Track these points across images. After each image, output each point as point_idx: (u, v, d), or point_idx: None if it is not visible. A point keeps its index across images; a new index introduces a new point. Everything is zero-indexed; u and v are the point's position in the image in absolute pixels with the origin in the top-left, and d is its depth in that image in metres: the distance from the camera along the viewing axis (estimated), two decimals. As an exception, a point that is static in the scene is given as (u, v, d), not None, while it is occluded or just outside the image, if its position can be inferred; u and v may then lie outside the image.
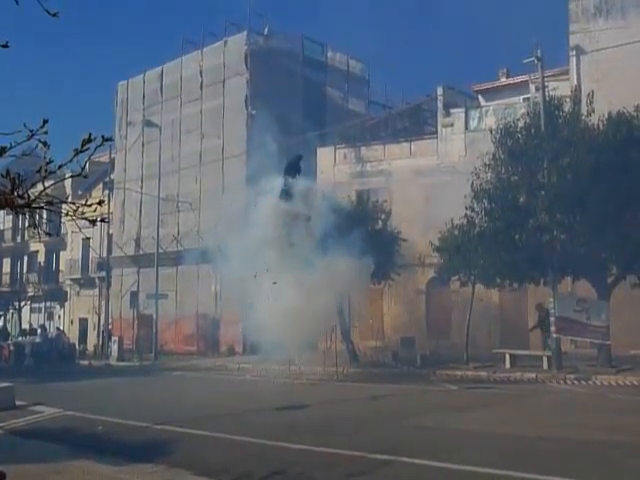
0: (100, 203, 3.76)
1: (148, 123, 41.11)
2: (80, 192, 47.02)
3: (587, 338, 24.55)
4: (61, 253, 52.44)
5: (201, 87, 42.24)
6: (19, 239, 54.20)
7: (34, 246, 53.17)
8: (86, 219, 3.82)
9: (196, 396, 19.68)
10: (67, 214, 3.84)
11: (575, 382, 21.13)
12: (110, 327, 42.42)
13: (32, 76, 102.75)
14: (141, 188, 43.60)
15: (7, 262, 56.38)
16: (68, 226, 41.39)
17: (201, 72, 42.37)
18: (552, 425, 13.33)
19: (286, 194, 20.27)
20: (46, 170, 3.64)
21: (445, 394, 19.79)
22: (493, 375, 23.32)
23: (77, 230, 31.46)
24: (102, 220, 3.91)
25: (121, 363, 36.25)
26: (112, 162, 44.91)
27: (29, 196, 3.59)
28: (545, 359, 24.22)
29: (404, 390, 20.58)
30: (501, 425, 13.52)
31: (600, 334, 23.70)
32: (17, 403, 18.29)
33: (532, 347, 27.85)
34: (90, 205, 3.77)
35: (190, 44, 43.70)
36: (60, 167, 3.73)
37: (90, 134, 3.57)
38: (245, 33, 40.52)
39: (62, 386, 24.70)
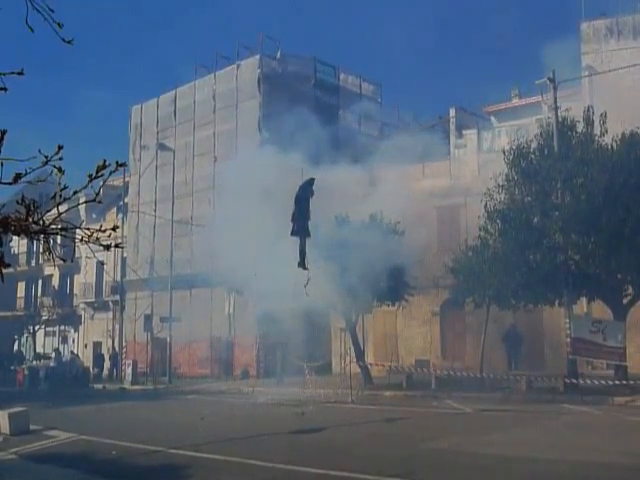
0: (114, 229, 3.77)
1: (162, 146, 41.36)
2: (94, 216, 47.26)
3: (603, 359, 24.36)
4: (75, 277, 52.60)
5: (214, 111, 42.49)
6: (33, 263, 54.39)
7: (48, 270, 53.35)
8: (100, 244, 3.83)
9: (210, 420, 19.61)
10: (81, 240, 3.85)
11: (592, 404, 20.90)
12: (124, 350, 42.44)
13: (47, 101, 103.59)
14: (155, 211, 43.78)
15: (22, 286, 56.55)
16: (82, 250, 41.53)
17: (214, 96, 42.64)
18: (568, 448, 13.20)
19: (302, 260, 20.08)
20: (61, 196, 3.65)
21: (460, 416, 19.63)
22: (509, 397, 23.10)
23: (91, 255, 31.60)
24: (116, 245, 3.91)
25: (135, 387, 36.19)
26: (126, 185, 45.18)
27: (44, 222, 3.60)
28: (561, 381, 24.02)
29: (419, 413, 20.43)
30: (517, 448, 13.39)
31: (616, 355, 23.49)
32: (31, 427, 18.29)
33: (548, 368, 27.63)
34: (104, 231, 3.78)
35: (203, 68, 44.04)
36: (75, 193, 3.74)
37: (105, 160, 3.59)
38: (257, 57, 40.78)
39: (76, 410, 24.69)
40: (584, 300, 25.95)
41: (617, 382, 23.23)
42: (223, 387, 32.66)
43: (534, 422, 17.74)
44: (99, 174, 3.60)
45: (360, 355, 30.16)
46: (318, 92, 43.26)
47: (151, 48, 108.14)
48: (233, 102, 41.30)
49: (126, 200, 46.39)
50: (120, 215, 46.16)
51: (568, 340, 23.86)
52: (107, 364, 43.76)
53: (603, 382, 23.41)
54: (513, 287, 23.84)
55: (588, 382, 23.37)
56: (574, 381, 23.36)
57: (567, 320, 23.97)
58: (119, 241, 4.19)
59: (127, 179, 44.77)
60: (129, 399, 29.35)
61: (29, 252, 53.98)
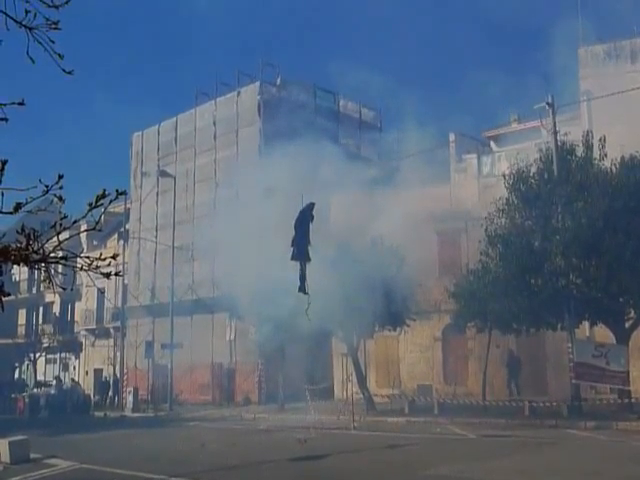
0: (114, 257, 3.77)
1: (163, 173, 41.48)
2: (95, 242, 47.35)
3: (606, 384, 24.23)
4: (76, 303, 52.53)
5: (215, 137, 42.69)
6: (34, 290, 54.36)
7: (49, 297, 53.32)
8: (100, 273, 3.83)
9: (211, 447, 19.49)
10: (81, 268, 3.85)
11: (595, 429, 20.76)
12: (125, 377, 42.27)
13: (48, 128, 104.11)
14: (156, 237, 43.84)
15: (22, 313, 56.47)
16: (83, 277, 41.56)
17: (215, 122, 42.86)
18: (571, 474, 13.10)
19: (302, 285, 19.99)
20: (61, 225, 3.66)
21: (463, 443, 19.49)
22: (511, 422, 22.95)
23: (93, 281, 31.61)
24: (116, 274, 3.92)
25: (136, 414, 35.99)
26: (127, 212, 45.28)
27: (44, 251, 3.61)
28: (565, 406, 23.89)
29: (422, 439, 20.29)
30: (520, 475, 13.30)
31: (620, 379, 23.38)
32: (32, 456, 18.17)
33: (551, 393, 27.50)
34: (104, 259, 3.78)
35: (204, 95, 44.29)
36: (75, 222, 3.75)
37: (104, 190, 3.60)
38: (257, 84, 41.06)
39: (77, 438, 24.55)
40: (586, 324, 25.88)
41: (621, 407, 23.13)
42: (224, 414, 32.50)
43: (537, 448, 17.63)
44: (99, 203, 3.61)
45: (362, 380, 30.03)
46: (318, 118, 43.44)
47: (152, 76, 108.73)
48: (233, 128, 41.51)
49: (127, 227, 46.48)
50: (121, 242, 46.19)
51: (571, 364, 23.76)
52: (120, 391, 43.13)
53: (607, 407, 23.30)
54: (515, 311, 23.79)
55: (592, 407, 23.24)
56: (578, 405, 23.23)
57: (569, 344, 23.89)
58: (119, 269, 4.19)
59: (128, 206, 44.87)
60: (130, 427, 29.17)
61: (30, 279, 53.95)
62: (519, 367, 30.17)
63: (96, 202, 3.60)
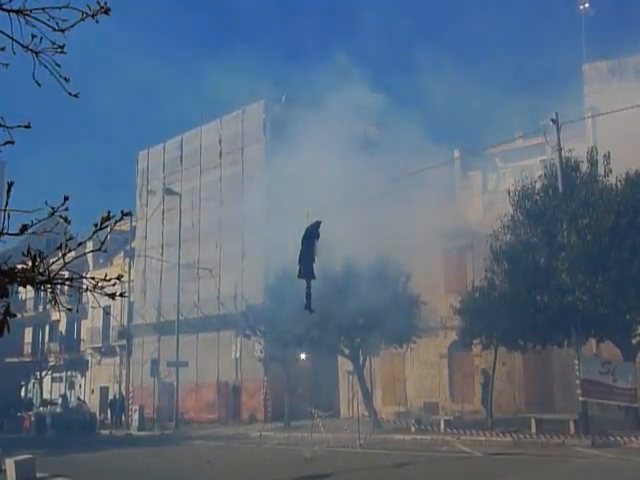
0: (119, 278, 3.79)
1: (168, 191, 41.59)
2: (101, 261, 47.42)
3: (613, 401, 24.08)
4: (82, 322, 52.54)
5: (220, 155, 42.85)
6: (41, 309, 54.43)
7: (55, 315, 53.31)
8: (105, 294, 3.86)
9: (217, 466, 19.43)
10: (87, 289, 3.88)
11: (603, 447, 20.63)
12: (131, 396, 42.22)
13: (54, 148, 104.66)
14: (162, 255, 43.92)
15: (29, 331, 56.49)
16: (89, 295, 41.61)
17: (220, 140, 43.03)
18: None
19: (309, 302, 19.99)
20: (67, 246, 3.69)
21: (470, 461, 19.39)
22: (519, 440, 22.83)
23: (98, 301, 31.63)
24: (121, 295, 3.94)
25: (142, 433, 35.93)
26: (133, 230, 45.42)
27: (50, 273, 3.63)
28: (572, 423, 23.76)
29: (428, 457, 20.20)
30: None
31: (627, 397, 23.26)
32: (38, 475, 18.10)
33: (558, 410, 27.37)
34: (110, 280, 3.80)
35: (209, 113, 44.46)
36: (80, 245, 3.77)
37: (109, 212, 3.63)
38: (262, 102, 41.21)
39: (83, 457, 24.52)
40: (593, 341, 25.78)
41: (628, 424, 23.01)
42: (230, 432, 32.42)
43: (545, 466, 17.53)
44: (104, 225, 3.64)
45: (368, 398, 29.96)
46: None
47: (158, 96, 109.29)
48: (239, 146, 41.66)
49: (133, 244, 46.60)
50: (127, 259, 46.27)
51: (578, 381, 23.65)
52: (126, 409, 42.82)
53: (614, 424, 23.16)
54: (521, 328, 23.73)
55: (599, 424, 23.11)
56: (585, 422, 23.09)
57: (576, 361, 23.78)
58: (125, 288, 4.22)
59: (134, 224, 45.04)
60: (136, 445, 29.12)
61: (36, 298, 54.02)
62: (492, 387, 30.18)
63: (101, 224, 3.63)
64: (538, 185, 24.66)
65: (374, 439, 25.19)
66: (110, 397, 46.17)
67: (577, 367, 23.70)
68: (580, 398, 23.50)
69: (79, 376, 52.80)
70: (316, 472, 17.10)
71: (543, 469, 17.04)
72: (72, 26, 3.74)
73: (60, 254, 3.65)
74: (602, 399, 24.40)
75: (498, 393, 27.95)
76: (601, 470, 16.58)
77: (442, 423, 26.87)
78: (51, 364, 51.99)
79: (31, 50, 3.72)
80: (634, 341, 23.77)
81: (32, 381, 53.86)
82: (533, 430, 24.36)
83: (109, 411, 44.29)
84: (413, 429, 26.86)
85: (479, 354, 29.08)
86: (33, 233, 3.70)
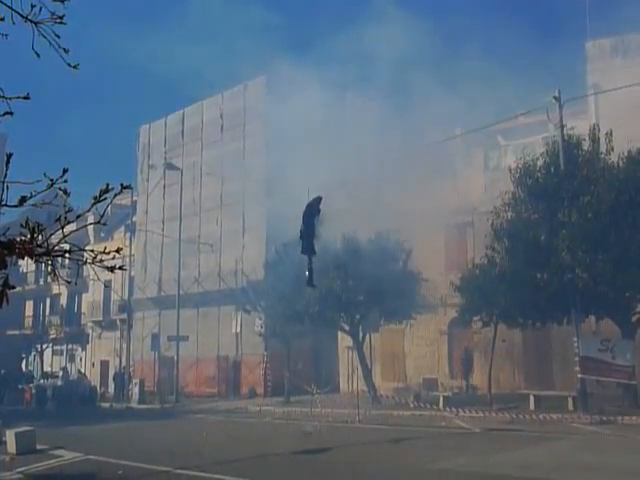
0: (118, 251, 3.78)
1: (169, 166, 41.45)
2: (102, 235, 47.43)
3: (612, 378, 24.16)
4: (83, 295, 52.66)
5: (221, 130, 42.67)
6: (41, 282, 54.52)
7: (56, 289, 53.45)
8: (105, 267, 3.85)
9: (217, 439, 19.56)
10: (86, 262, 3.87)
11: (601, 423, 20.75)
12: (131, 369, 42.39)
13: (55, 121, 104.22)
14: (162, 230, 43.88)
15: (30, 305, 56.67)
16: (90, 269, 41.62)
17: (221, 115, 42.83)
18: (576, 469, 13.11)
19: (310, 278, 19.93)
20: (66, 218, 3.68)
21: (468, 436, 19.51)
22: (517, 416, 22.96)
23: (97, 275, 31.66)
24: (120, 268, 3.93)
25: (142, 406, 36.12)
26: (134, 205, 45.36)
27: (48, 245, 3.63)
28: (570, 400, 23.89)
29: (426, 432, 20.31)
30: (525, 469, 13.27)
31: (625, 374, 23.35)
32: (38, 447, 18.26)
33: (557, 387, 27.49)
34: (109, 253, 3.80)
35: (210, 88, 44.21)
36: (79, 217, 3.77)
37: (107, 184, 3.62)
38: (264, 77, 40.91)
39: (83, 429, 24.66)
40: (592, 318, 25.82)
41: (626, 401, 23.13)
42: (230, 406, 32.58)
43: (543, 442, 17.63)
44: (102, 198, 3.63)
45: (367, 374, 30.08)
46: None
47: (159, 69, 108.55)
48: (240, 122, 41.43)
49: (134, 219, 46.56)
50: (128, 234, 46.25)
51: (577, 359, 23.72)
52: (127, 383, 42.57)
53: (612, 401, 23.27)
54: (521, 305, 23.77)
55: (597, 401, 23.22)
56: (583, 399, 23.20)
57: (575, 338, 23.85)
58: (125, 261, 4.22)
59: (135, 198, 44.96)
60: (136, 418, 29.28)
61: (37, 271, 54.12)
62: (471, 364, 31.17)
63: (100, 196, 3.62)
64: (540, 162, 24.56)
65: (373, 415, 25.33)
66: (112, 371, 46.30)
67: (576, 344, 23.77)
68: (579, 375, 23.59)
69: (80, 349, 53.00)
70: (316, 446, 17.20)
71: (540, 445, 17.13)
72: (71, -5, 3.72)
73: (59, 226, 3.65)
74: (601, 376, 24.49)
75: (497, 370, 28.01)
76: (597, 446, 16.67)
77: (441, 399, 27.00)
78: (52, 337, 52.18)
79: (30, 20, 3.69)
80: (633, 319, 23.81)
81: (33, 354, 54.10)
82: (532, 407, 24.52)
83: (113, 385, 44.39)
84: (412, 404, 27.00)
85: (479, 331, 29.14)
86: (33, 205, 3.69)
